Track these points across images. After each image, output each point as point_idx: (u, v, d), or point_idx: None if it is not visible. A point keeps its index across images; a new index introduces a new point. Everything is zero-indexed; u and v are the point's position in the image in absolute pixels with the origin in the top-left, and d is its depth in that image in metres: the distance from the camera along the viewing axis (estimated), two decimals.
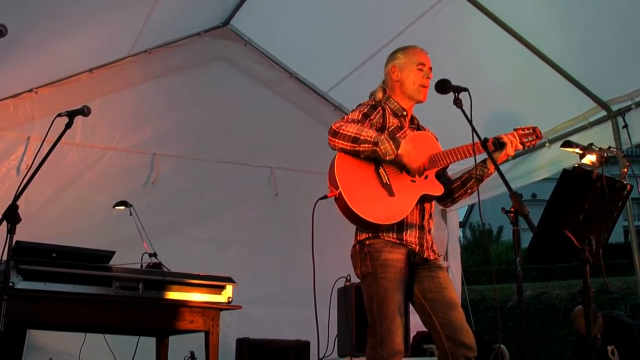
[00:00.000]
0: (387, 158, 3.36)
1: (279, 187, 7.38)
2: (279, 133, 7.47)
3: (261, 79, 7.51)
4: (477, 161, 3.51)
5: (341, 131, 3.39)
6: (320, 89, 7.64)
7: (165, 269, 4.71)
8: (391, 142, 3.36)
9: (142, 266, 4.88)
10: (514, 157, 6.02)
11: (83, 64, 6.54)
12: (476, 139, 3.29)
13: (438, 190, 3.57)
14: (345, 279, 5.80)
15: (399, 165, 3.45)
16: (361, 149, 3.36)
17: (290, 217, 6.94)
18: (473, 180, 3.68)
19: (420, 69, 3.68)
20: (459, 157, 3.52)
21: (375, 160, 3.44)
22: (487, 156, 3.49)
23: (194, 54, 7.19)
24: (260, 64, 7.50)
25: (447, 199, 3.81)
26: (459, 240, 8.28)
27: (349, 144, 3.36)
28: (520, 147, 3.59)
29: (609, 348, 6.15)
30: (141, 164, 6.86)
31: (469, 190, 3.72)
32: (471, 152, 3.44)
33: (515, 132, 3.59)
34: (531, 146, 3.67)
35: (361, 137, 3.35)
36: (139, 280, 4.29)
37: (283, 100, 7.59)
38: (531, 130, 3.62)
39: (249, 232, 7.16)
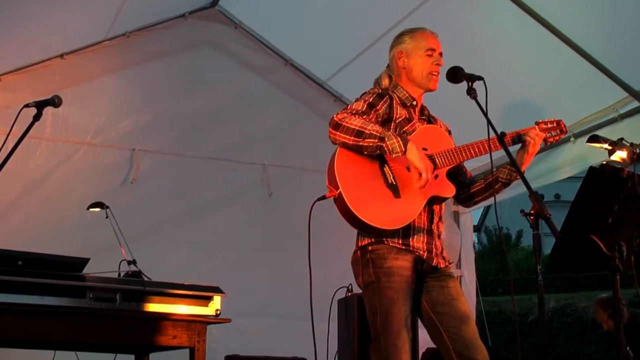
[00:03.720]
0: (394, 155, 3.35)
1: (273, 186, 7.38)
2: (272, 126, 7.47)
3: (253, 66, 7.50)
4: (494, 157, 3.50)
5: (344, 123, 3.38)
6: (319, 78, 7.64)
7: (146, 278, 4.70)
8: (399, 139, 3.34)
9: (119, 275, 4.86)
10: None
11: (53, 48, 6.52)
12: (492, 134, 3.28)
13: (449, 191, 3.56)
14: (346, 288, 5.80)
15: (406, 164, 3.44)
16: (365, 144, 3.34)
17: (285, 220, 6.93)
18: (500, 184, 3.68)
19: (429, 55, 3.67)
20: (472, 154, 3.53)
21: (380, 157, 3.44)
22: (515, 154, 3.48)
23: (178, 38, 7.17)
24: (252, 49, 7.49)
25: (469, 200, 3.83)
26: (474, 246, 8.29)
27: (352, 138, 3.35)
28: (543, 135, 3.58)
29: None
30: (119, 160, 6.85)
31: (494, 194, 3.70)
32: (486, 148, 3.44)
33: (536, 126, 3.59)
34: (555, 142, 3.66)
35: (366, 131, 3.34)
36: (116, 290, 4.27)
37: (277, 89, 7.58)
38: (555, 124, 3.62)
39: (240, 237, 7.15)
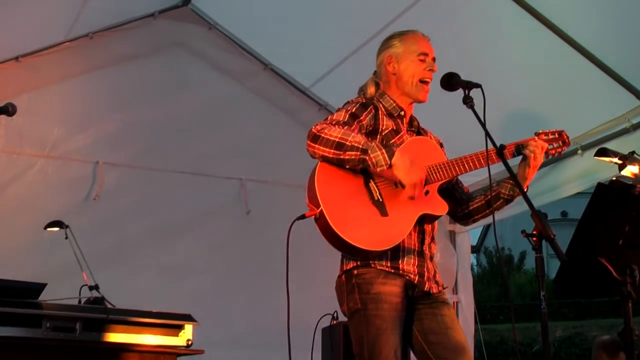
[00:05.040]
0: (378, 170, 3.33)
1: (251, 203, 7.38)
2: (250, 137, 7.46)
3: (229, 70, 7.51)
4: (496, 171, 3.52)
5: (323, 135, 3.37)
6: (301, 84, 7.66)
7: (109, 305, 4.68)
8: (384, 151, 3.32)
9: (80, 302, 4.85)
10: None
11: (7, 50, 6.48)
12: (490, 146, 3.29)
13: (441, 209, 3.56)
14: (331, 316, 5.80)
15: (394, 179, 3.44)
16: (346, 157, 3.33)
17: (264, 240, 6.92)
18: (502, 200, 3.71)
19: (422, 60, 3.68)
20: (467, 168, 3.53)
21: (364, 171, 3.43)
22: (516, 169, 3.49)
23: (147, 40, 7.18)
24: (227, 52, 7.50)
25: (468, 218, 3.84)
26: (472, 269, 8.30)
27: (332, 150, 3.34)
28: (545, 146, 3.61)
29: None
30: (81, 175, 6.82)
31: (495, 211, 3.72)
32: (482, 161, 3.46)
33: (537, 137, 3.61)
34: (557, 154, 3.68)
35: (347, 143, 3.33)
36: (76, 319, 4.26)
37: (256, 97, 7.59)
38: (556, 135, 3.65)
39: (214, 259, 7.14)
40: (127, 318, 4.45)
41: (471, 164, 3.53)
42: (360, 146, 3.31)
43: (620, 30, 5.46)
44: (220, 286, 7.04)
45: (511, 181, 3.62)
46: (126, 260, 6.74)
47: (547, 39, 5.63)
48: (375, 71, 3.83)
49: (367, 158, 3.31)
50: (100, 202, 6.80)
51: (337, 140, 3.33)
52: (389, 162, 3.31)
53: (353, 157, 3.32)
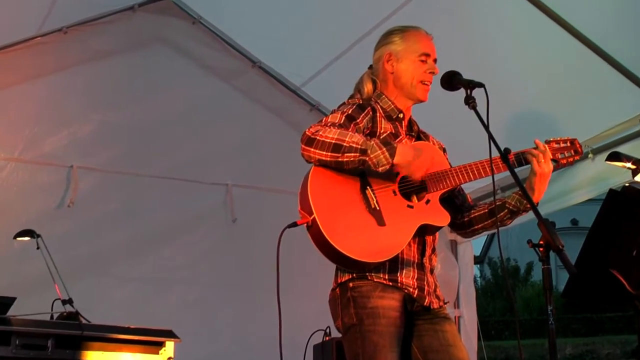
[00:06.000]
0: (380, 169, 3.30)
1: (238, 210, 7.38)
2: (237, 140, 7.47)
3: (214, 68, 7.51)
4: (497, 177, 3.50)
5: (318, 137, 3.34)
6: (292, 83, 7.66)
7: (84, 321, 4.67)
8: (384, 149, 3.30)
9: (52, 317, 4.84)
10: None
11: None
12: (494, 149, 3.27)
13: (443, 219, 3.54)
14: (323, 332, 5.80)
15: (393, 185, 3.44)
16: (345, 159, 3.30)
17: (251, 250, 6.92)
18: (506, 211, 3.66)
19: (423, 61, 3.65)
20: (471, 176, 3.50)
21: (361, 177, 3.41)
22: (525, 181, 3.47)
23: (126, 35, 7.17)
24: (213, 49, 7.51)
25: (467, 227, 3.81)
26: (475, 281, 8.28)
27: (329, 153, 3.32)
28: (549, 152, 3.59)
29: None
30: (54, 180, 6.80)
31: (498, 223, 3.67)
32: (488, 170, 3.43)
33: (547, 145, 3.59)
34: (568, 164, 3.65)
35: (345, 144, 3.30)
36: (48, 335, 4.25)
37: (243, 96, 7.60)
38: (568, 143, 3.60)
39: (198, 270, 7.14)
40: (104, 334, 4.44)
41: (476, 172, 3.50)
42: (359, 146, 3.28)
43: (634, 24, 5.46)
44: (204, 299, 7.03)
45: (521, 193, 3.59)
46: (103, 271, 6.72)
47: (555, 34, 5.63)
48: (371, 65, 3.82)
49: (367, 159, 3.28)
50: (74, 209, 6.77)
51: (333, 142, 3.30)
52: (391, 161, 3.30)
53: (352, 158, 3.29)
